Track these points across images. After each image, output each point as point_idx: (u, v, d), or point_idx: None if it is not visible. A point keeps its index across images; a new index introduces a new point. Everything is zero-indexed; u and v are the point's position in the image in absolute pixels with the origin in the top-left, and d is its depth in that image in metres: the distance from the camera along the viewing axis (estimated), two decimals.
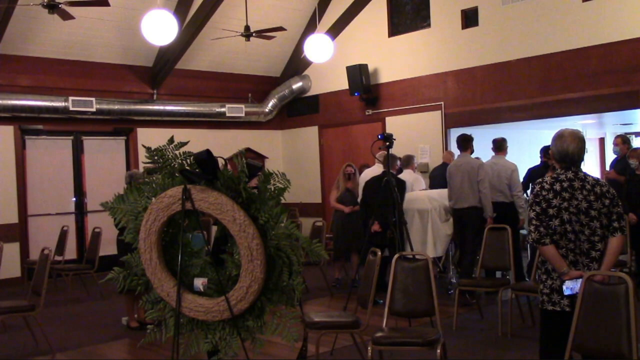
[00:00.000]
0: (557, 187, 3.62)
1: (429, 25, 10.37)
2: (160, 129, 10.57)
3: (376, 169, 8.22)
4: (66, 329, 6.86)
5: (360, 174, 8.76)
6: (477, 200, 7.32)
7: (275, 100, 12.21)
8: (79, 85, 10.11)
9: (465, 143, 7.63)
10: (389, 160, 7.24)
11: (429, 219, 7.80)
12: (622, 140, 8.09)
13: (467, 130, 9.83)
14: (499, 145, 7.90)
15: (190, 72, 11.23)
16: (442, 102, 10.13)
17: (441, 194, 7.94)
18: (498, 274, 7.54)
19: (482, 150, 8.59)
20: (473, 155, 7.77)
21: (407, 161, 8.65)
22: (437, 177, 8.74)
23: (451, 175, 7.56)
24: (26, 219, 9.94)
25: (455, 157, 8.37)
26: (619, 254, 3.75)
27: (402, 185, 7.56)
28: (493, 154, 7.96)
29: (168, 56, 10.54)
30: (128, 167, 10.75)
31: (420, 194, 8.15)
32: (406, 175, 8.30)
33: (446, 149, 9.93)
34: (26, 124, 9.84)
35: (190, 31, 10.11)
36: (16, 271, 9.60)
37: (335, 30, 11.32)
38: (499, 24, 9.42)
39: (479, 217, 7.30)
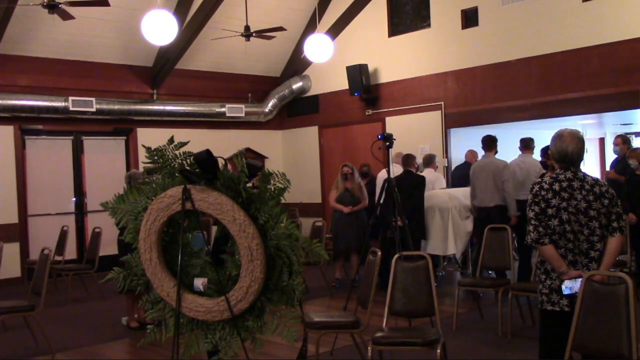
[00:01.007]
0: (556, 187, 3.62)
1: (429, 25, 10.37)
2: (160, 129, 10.57)
3: (393, 169, 8.29)
4: (66, 329, 6.86)
5: (360, 174, 8.78)
6: (502, 199, 7.45)
7: (275, 100, 12.21)
8: (79, 85, 10.11)
9: (491, 143, 7.74)
10: (388, 160, 7.27)
11: (450, 217, 7.97)
12: (622, 140, 8.11)
13: (467, 130, 9.89)
14: (527, 144, 8.00)
15: (190, 72, 11.23)
16: (442, 102, 10.13)
17: (461, 192, 8.04)
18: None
19: (482, 150, 8.59)
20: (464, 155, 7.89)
21: (429, 160, 8.81)
22: (461, 176, 8.84)
23: (475, 175, 7.67)
24: (26, 219, 9.94)
25: (479, 157, 8.49)
26: (618, 254, 3.75)
27: (421, 181, 7.63)
28: (520, 152, 8.07)
29: (168, 56, 10.54)
30: (128, 167, 10.75)
31: (440, 192, 8.31)
32: (427, 174, 8.40)
33: (446, 148, 9.95)
34: (26, 124, 9.84)
35: (190, 31, 10.11)
36: (16, 271, 9.61)
37: (335, 30, 11.32)
38: (499, 24, 9.42)
39: (505, 215, 7.41)
